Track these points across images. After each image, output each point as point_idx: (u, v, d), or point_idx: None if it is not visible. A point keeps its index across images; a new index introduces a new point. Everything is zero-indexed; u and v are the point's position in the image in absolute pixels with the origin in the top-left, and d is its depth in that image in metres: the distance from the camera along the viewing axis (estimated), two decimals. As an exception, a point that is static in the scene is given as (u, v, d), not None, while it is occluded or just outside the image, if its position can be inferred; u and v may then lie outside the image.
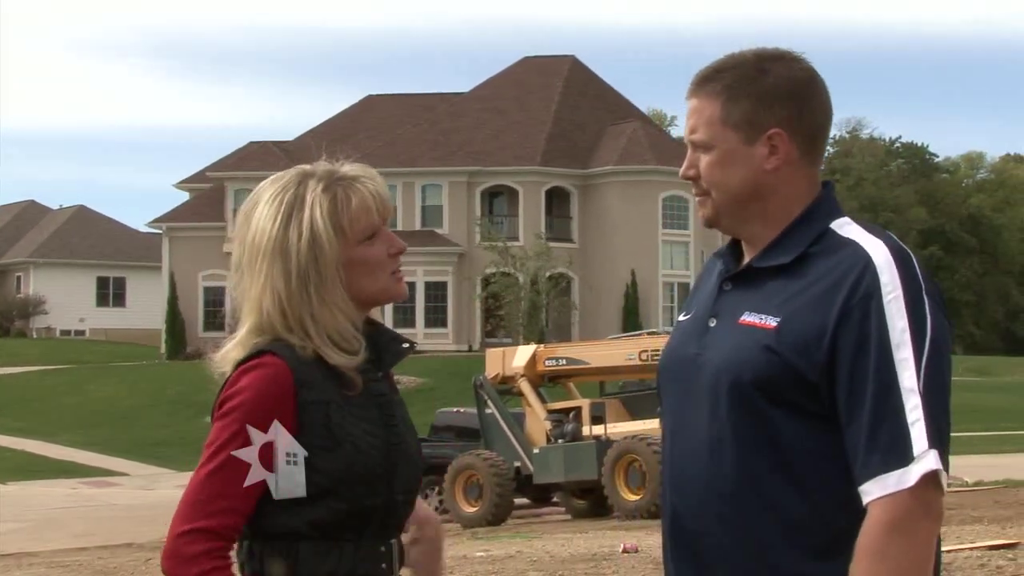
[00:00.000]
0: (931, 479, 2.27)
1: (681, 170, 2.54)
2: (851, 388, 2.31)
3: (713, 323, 2.47)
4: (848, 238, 2.41)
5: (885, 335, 2.30)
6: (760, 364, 2.35)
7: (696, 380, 2.45)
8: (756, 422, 2.37)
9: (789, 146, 2.44)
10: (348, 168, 2.60)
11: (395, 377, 2.70)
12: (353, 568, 2.49)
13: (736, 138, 2.44)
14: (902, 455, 2.27)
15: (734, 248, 2.54)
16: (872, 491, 2.28)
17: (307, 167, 2.60)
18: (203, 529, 2.41)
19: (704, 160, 2.47)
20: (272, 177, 2.62)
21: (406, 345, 2.65)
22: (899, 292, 2.32)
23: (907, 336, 2.30)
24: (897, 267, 2.35)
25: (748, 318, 2.40)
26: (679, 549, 2.49)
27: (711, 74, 2.48)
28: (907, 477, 2.26)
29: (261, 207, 2.56)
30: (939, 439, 2.29)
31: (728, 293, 2.48)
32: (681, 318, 2.60)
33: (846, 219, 2.46)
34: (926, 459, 2.26)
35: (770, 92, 2.44)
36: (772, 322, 2.37)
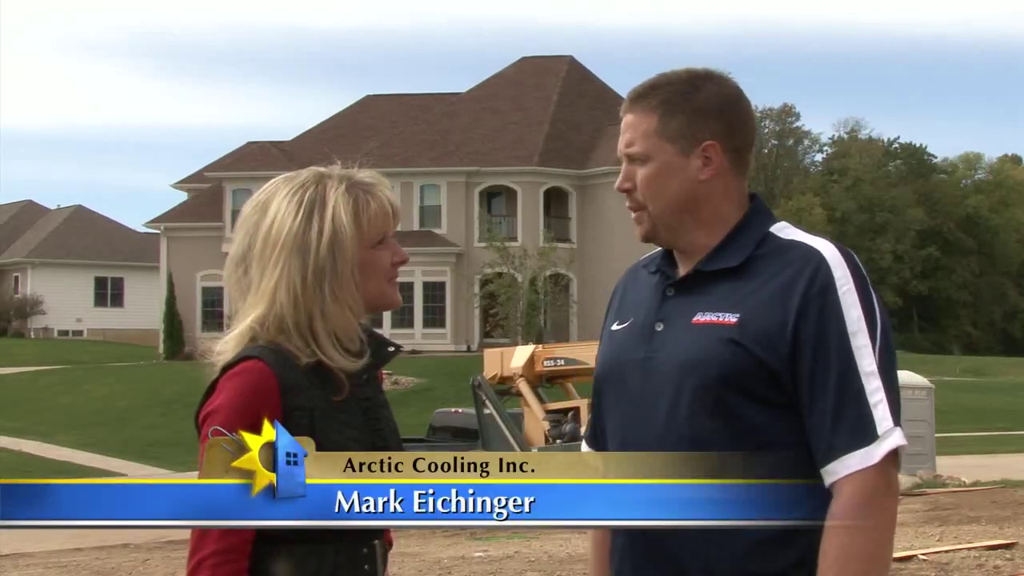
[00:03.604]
0: (893, 456, 2.39)
1: (616, 183, 2.64)
2: (814, 374, 2.42)
3: (660, 327, 2.56)
4: (793, 240, 2.54)
5: (843, 324, 2.44)
6: (725, 357, 2.45)
7: (648, 382, 2.53)
8: (719, 413, 2.45)
9: (722, 158, 2.57)
10: (364, 175, 2.62)
11: (394, 377, 2.71)
12: (334, 571, 2.50)
13: (672, 150, 2.56)
14: (866, 434, 2.39)
15: (668, 258, 2.64)
16: (838, 470, 2.39)
17: (323, 169, 2.62)
18: (220, 551, 2.43)
19: (640, 172, 2.58)
20: (285, 176, 2.62)
21: (392, 348, 2.66)
22: (851, 285, 2.46)
23: (863, 324, 2.44)
24: (846, 263, 2.48)
25: (703, 317, 2.51)
26: (647, 553, 2.53)
27: (645, 91, 2.60)
28: (873, 454, 2.38)
29: (279, 201, 2.56)
30: (899, 418, 2.43)
31: (673, 299, 2.57)
32: (614, 328, 2.68)
33: (784, 223, 2.60)
34: (893, 436, 2.40)
35: (703, 107, 2.56)
36: (732, 318, 2.47)
